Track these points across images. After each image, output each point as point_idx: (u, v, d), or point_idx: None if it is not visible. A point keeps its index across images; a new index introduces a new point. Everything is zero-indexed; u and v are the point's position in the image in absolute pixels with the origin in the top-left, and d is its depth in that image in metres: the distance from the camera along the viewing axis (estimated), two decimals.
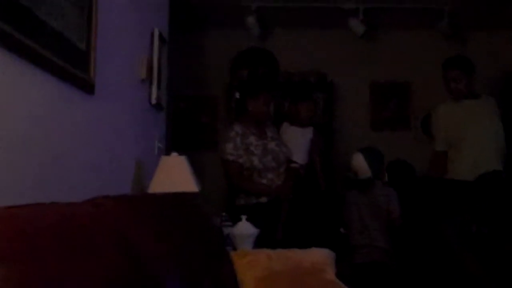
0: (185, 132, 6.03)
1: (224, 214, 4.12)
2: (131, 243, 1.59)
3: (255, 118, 4.05)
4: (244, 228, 3.39)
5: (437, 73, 6.07)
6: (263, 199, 3.94)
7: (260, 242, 3.29)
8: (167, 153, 3.54)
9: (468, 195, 4.11)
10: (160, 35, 3.65)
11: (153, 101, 3.56)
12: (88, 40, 2.33)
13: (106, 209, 1.63)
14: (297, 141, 4.64)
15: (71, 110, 2.16)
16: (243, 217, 3.43)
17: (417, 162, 4.99)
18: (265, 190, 3.95)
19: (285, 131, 4.76)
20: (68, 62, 2.09)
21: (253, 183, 3.94)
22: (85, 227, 1.40)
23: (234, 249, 3.25)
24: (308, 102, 4.99)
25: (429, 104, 6.14)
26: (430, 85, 6.15)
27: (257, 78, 5.69)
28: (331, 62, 6.10)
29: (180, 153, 3.23)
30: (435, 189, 4.38)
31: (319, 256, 2.75)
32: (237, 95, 5.70)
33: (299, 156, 4.62)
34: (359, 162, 4.19)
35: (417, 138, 6.17)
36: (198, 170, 3.41)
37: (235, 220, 3.53)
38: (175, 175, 3.14)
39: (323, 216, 4.96)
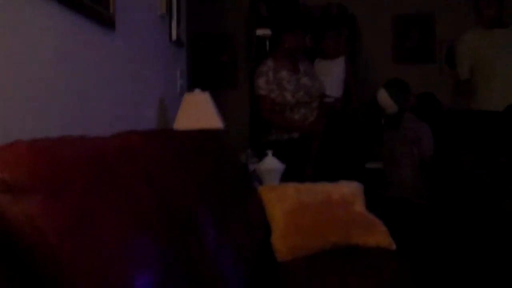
0: (205, 71, 5.97)
1: (249, 150, 4.11)
2: (158, 177, 1.57)
3: (288, 53, 3.97)
4: (271, 163, 3.38)
5: (461, 3, 5.94)
6: (295, 135, 3.89)
7: (289, 178, 3.27)
8: (189, 90, 3.50)
9: (496, 126, 4.04)
10: None
11: (174, 37, 3.50)
12: None
13: (133, 143, 1.61)
14: (330, 74, 4.59)
15: (94, 47, 2.12)
16: (269, 152, 3.41)
17: (442, 96, 4.89)
18: (298, 125, 3.91)
19: (317, 66, 4.72)
20: None
21: (286, 118, 3.90)
22: (112, 160, 1.37)
23: (261, 184, 3.25)
24: (331, 33, 4.90)
25: (454, 35, 6.00)
26: (455, 16, 6.00)
27: (278, 12, 5.57)
28: None
29: (203, 90, 3.19)
30: (464, 121, 4.31)
31: (348, 189, 2.74)
32: (260, 32, 5.63)
33: (333, 90, 4.57)
34: (384, 98, 4.12)
35: (442, 71, 6.05)
36: (220, 109, 3.38)
37: (262, 156, 3.52)
38: (199, 112, 3.11)
39: (352, 150, 4.94)
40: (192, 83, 4.30)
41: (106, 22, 2.25)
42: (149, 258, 1.19)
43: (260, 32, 5.66)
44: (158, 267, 1.19)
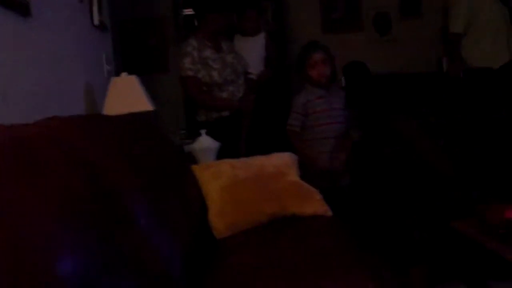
0: (135, 56, 5.88)
1: (183, 131, 4.08)
2: (85, 160, 1.54)
3: (213, 33, 3.92)
4: (205, 142, 3.37)
5: None
6: (225, 113, 3.87)
7: (223, 156, 3.26)
8: (117, 75, 3.44)
9: (425, 87, 4.15)
10: None
11: (96, 22, 3.42)
12: None
13: (54, 128, 1.56)
14: (250, 51, 4.56)
15: (8, 34, 2.04)
16: (203, 132, 3.40)
17: (371, 62, 4.96)
18: (227, 103, 3.88)
19: (237, 43, 4.66)
20: None
21: (214, 97, 3.86)
22: (33, 146, 1.33)
23: (197, 164, 3.23)
24: (250, 12, 4.88)
25: (380, 2, 6.11)
26: None
27: None
28: None
29: (130, 74, 3.15)
30: (392, 85, 4.39)
31: (281, 160, 2.75)
32: (187, 11, 5.56)
33: (255, 67, 4.56)
34: None
35: (370, 38, 6.14)
36: (151, 93, 3.33)
37: (195, 136, 3.50)
38: (127, 96, 3.07)
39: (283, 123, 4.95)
40: (123, 69, 4.22)
41: (21, 8, 2.18)
42: (74, 243, 1.16)
43: (187, 12, 5.60)
44: (84, 251, 1.17)
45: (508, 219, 2.26)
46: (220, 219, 2.43)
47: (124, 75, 3.12)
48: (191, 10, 5.39)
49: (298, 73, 3.65)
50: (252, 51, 4.62)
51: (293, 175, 2.67)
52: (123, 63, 5.35)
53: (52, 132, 1.53)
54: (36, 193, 1.17)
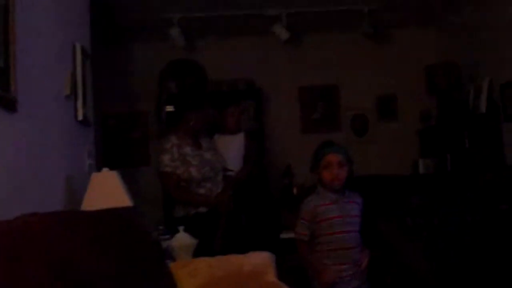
0: (117, 149, 5.94)
1: (161, 227, 4.06)
2: (65, 262, 1.54)
3: (193, 130, 4.00)
4: (183, 239, 3.35)
5: (363, 73, 6.26)
6: (202, 209, 3.89)
7: (199, 253, 3.25)
8: (98, 169, 3.46)
9: (403, 190, 4.22)
10: (83, 50, 3.57)
11: (80, 117, 3.48)
12: (7, 57, 2.25)
13: (33, 226, 1.57)
14: (230, 149, 4.62)
15: None
16: (181, 228, 3.39)
17: None
18: (205, 200, 3.91)
19: (217, 141, 4.73)
20: None
21: (192, 193, 3.90)
22: (11, 244, 1.34)
23: (174, 261, 3.21)
24: (232, 108, 4.99)
25: (358, 104, 6.29)
26: (358, 85, 6.30)
27: (186, 89, 5.64)
28: (259, 69, 6.13)
29: (112, 169, 3.17)
30: (369, 187, 4.45)
31: (259, 259, 2.75)
32: (169, 108, 5.66)
33: (234, 164, 4.61)
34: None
35: (348, 139, 6.27)
36: (132, 186, 3.35)
37: (173, 232, 3.49)
38: (107, 191, 3.08)
39: (263, 221, 4.95)
40: (104, 163, 4.25)
41: (6, 103, 2.23)
42: None
43: (169, 108, 5.71)
44: None
45: None
46: None
47: (105, 170, 3.15)
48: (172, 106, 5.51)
49: (311, 172, 3.36)
50: (232, 149, 4.69)
51: (271, 275, 2.66)
52: (105, 157, 5.39)
53: (30, 230, 1.54)
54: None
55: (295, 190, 5.93)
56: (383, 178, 5.08)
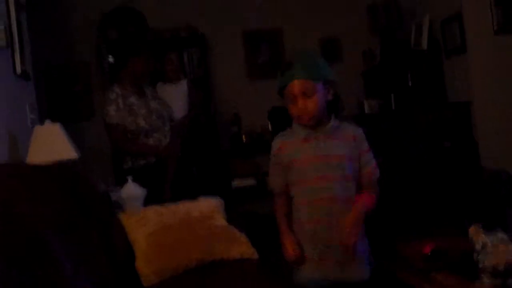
0: (61, 102, 5.81)
1: (110, 179, 4.05)
2: (7, 205, 1.54)
3: (135, 78, 3.93)
4: (131, 190, 3.35)
5: (307, 16, 6.24)
6: (152, 160, 3.87)
7: (150, 203, 3.25)
8: (41, 122, 3.41)
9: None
10: (17, 1, 3.46)
11: (18, 71, 3.39)
12: None
13: None
14: (174, 98, 4.59)
15: None
16: (129, 179, 3.38)
17: None
18: (154, 150, 3.87)
19: (160, 90, 4.69)
20: None
21: (141, 144, 3.84)
22: None
23: (124, 211, 3.21)
24: (170, 56, 4.94)
25: (301, 47, 6.29)
26: (302, 28, 6.28)
27: (127, 37, 5.54)
28: (201, 15, 6.04)
29: (55, 121, 3.13)
30: None
31: (207, 205, 2.78)
32: (112, 58, 5.57)
33: (180, 113, 4.59)
34: None
35: None
36: (78, 140, 3.31)
37: (123, 184, 3.48)
38: (51, 144, 3.04)
39: (213, 171, 4.97)
40: (48, 116, 4.17)
41: None
42: None
43: (112, 58, 5.61)
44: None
45: (426, 254, 2.35)
46: (148, 266, 2.42)
47: (47, 123, 3.10)
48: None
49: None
50: (175, 98, 4.66)
51: (220, 219, 2.70)
52: (49, 110, 5.29)
53: None
54: None
55: (244, 138, 5.96)
56: None
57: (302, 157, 2.29)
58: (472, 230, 2.19)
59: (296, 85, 2.22)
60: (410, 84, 5.20)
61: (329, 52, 6.31)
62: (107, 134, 3.93)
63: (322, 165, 2.26)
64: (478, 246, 2.11)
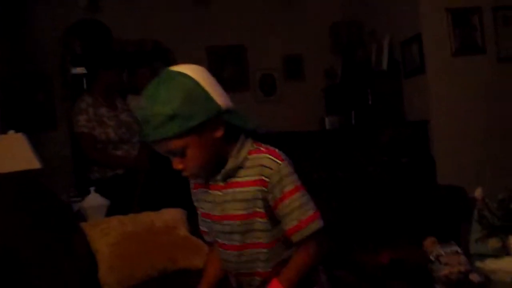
0: (21, 113, 5.75)
1: (72, 189, 4.04)
2: None
3: (106, 90, 3.95)
4: (94, 200, 3.35)
5: (270, 33, 6.34)
6: (120, 171, 3.87)
7: (114, 214, 3.26)
8: (3, 132, 3.39)
9: (309, 145, 4.36)
10: None
11: None
12: None
13: None
14: None
15: None
16: (92, 189, 3.38)
17: (259, 120, 5.15)
18: (123, 161, 3.88)
19: (131, 103, 4.70)
20: None
21: (110, 155, 3.84)
22: None
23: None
24: (143, 70, 4.96)
25: (265, 64, 6.39)
26: (265, 45, 6.37)
27: (95, 49, 5.54)
28: (166, 29, 6.07)
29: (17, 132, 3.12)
30: (276, 144, 4.57)
31: (171, 215, 2.81)
32: (75, 70, 5.55)
33: None
34: None
35: (256, 98, 6.38)
36: (39, 150, 3.29)
37: (85, 194, 3.48)
38: (14, 154, 3.03)
39: (175, 181, 4.96)
40: (7, 125, 4.14)
41: None
42: None
43: (75, 70, 5.60)
44: None
45: (383, 264, 2.43)
46: (111, 275, 2.44)
47: (11, 132, 3.10)
48: (79, 69, 5.41)
49: None
50: None
51: (183, 230, 2.73)
52: (8, 119, 5.24)
53: None
54: None
55: None
56: (291, 134, 5.21)
57: (203, 210, 1.70)
58: (427, 242, 2.28)
59: (158, 146, 1.52)
60: (370, 102, 5.32)
61: (291, 69, 6.42)
62: (76, 143, 3.93)
63: (225, 229, 1.61)
64: (432, 257, 2.19)
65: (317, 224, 1.54)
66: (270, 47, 6.39)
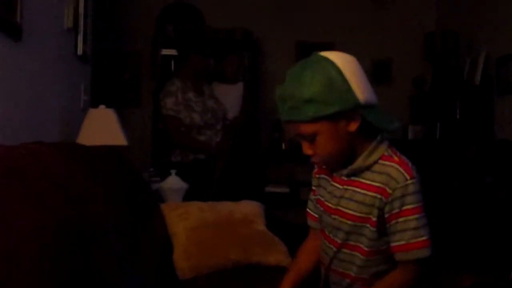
0: (108, 88, 5.89)
1: (151, 169, 4.10)
2: (65, 182, 1.57)
3: (195, 74, 3.99)
4: (174, 182, 3.39)
5: (361, 34, 6.24)
6: (201, 156, 3.91)
7: (192, 198, 3.28)
8: (93, 106, 3.46)
9: None
10: None
11: (79, 52, 3.46)
12: None
13: (39, 152, 1.60)
14: (228, 98, 4.62)
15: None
16: (173, 172, 3.43)
17: None
18: (205, 147, 3.93)
19: (216, 89, 4.72)
20: None
21: (193, 139, 3.91)
22: (22, 164, 1.37)
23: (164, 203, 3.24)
24: (232, 57, 4.96)
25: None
26: (354, 46, 6.27)
27: (186, 33, 5.59)
28: (257, 20, 6.07)
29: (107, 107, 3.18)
30: None
31: (250, 208, 2.80)
32: (166, 52, 5.62)
33: (231, 113, 4.63)
34: None
35: None
36: (122, 126, 3.34)
37: (164, 176, 3.52)
38: (103, 128, 3.09)
39: (249, 173, 4.97)
40: (95, 100, 4.24)
41: (12, 31, 2.21)
42: (49, 261, 1.19)
43: (166, 52, 5.67)
44: (56, 272, 1.20)
45: (464, 287, 2.34)
46: (185, 260, 2.45)
47: (102, 107, 3.15)
48: (169, 50, 5.47)
49: None
50: (230, 98, 4.69)
51: (260, 224, 2.72)
52: (96, 93, 5.36)
53: (38, 154, 1.57)
54: (27, 217, 1.21)
55: (284, 145, 5.97)
56: None
57: (322, 199, 1.68)
58: None
59: (292, 125, 1.55)
60: (458, 116, 5.16)
61: (379, 73, 6.29)
62: (163, 125, 4.00)
63: (336, 223, 1.61)
64: None
65: (425, 252, 1.51)
66: (360, 49, 6.28)
